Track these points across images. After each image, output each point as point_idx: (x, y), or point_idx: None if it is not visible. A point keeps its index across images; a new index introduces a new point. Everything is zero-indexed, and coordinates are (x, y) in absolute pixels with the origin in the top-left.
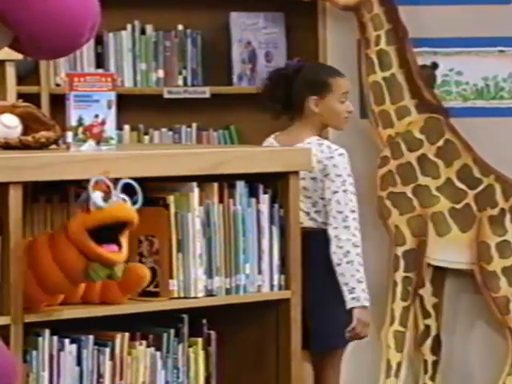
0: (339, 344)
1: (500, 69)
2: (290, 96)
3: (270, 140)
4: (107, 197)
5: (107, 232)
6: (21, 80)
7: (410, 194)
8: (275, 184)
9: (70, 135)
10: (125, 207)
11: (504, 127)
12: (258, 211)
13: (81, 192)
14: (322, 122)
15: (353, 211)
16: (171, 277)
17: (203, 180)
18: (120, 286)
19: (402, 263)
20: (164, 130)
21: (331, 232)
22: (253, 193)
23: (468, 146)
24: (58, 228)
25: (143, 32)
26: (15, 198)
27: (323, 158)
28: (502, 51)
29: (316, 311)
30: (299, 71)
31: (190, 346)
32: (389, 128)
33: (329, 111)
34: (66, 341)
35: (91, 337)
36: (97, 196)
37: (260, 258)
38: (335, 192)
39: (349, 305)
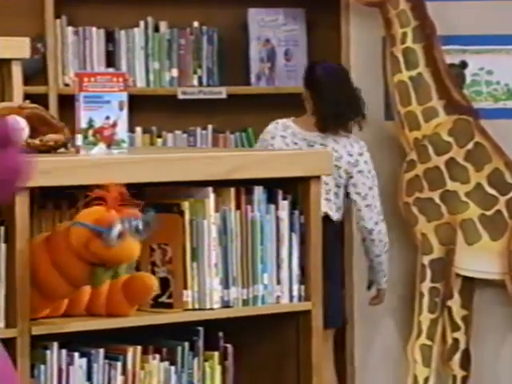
0: (336, 324)
1: None
2: None
3: (288, 123)
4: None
5: None
6: (28, 80)
7: (437, 200)
8: (295, 189)
9: (79, 138)
10: (131, 252)
11: None
12: (277, 218)
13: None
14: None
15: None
16: (185, 287)
17: (219, 185)
18: (126, 296)
19: (428, 273)
20: (178, 132)
21: (369, 225)
22: (271, 199)
23: (499, 149)
24: (56, 230)
25: (156, 29)
26: (22, 204)
27: (354, 153)
28: None
29: None
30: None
31: (205, 360)
32: (415, 130)
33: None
34: (76, 354)
35: (102, 350)
36: (114, 234)
37: (279, 268)
38: (371, 188)
39: (383, 286)
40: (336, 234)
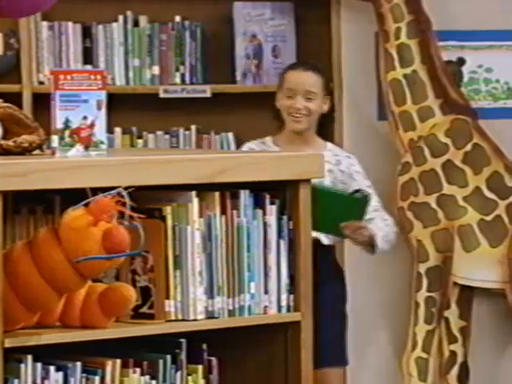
0: (345, 363)
1: None
2: None
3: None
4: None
5: None
6: (0, 77)
7: (434, 205)
8: (283, 193)
9: (55, 139)
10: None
11: None
12: (265, 224)
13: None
14: (282, 115)
15: None
16: (168, 297)
17: (203, 189)
18: (103, 308)
19: (424, 282)
20: (160, 133)
21: (387, 220)
22: (259, 203)
23: (499, 150)
24: (40, 234)
25: (136, 24)
26: None
27: (343, 157)
28: None
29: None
30: None
31: (189, 374)
32: (410, 131)
33: (281, 106)
34: (52, 368)
35: (79, 364)
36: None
37: (266, 276)
38: (369, 187)
39: (378, 242)
40: (330, 262)
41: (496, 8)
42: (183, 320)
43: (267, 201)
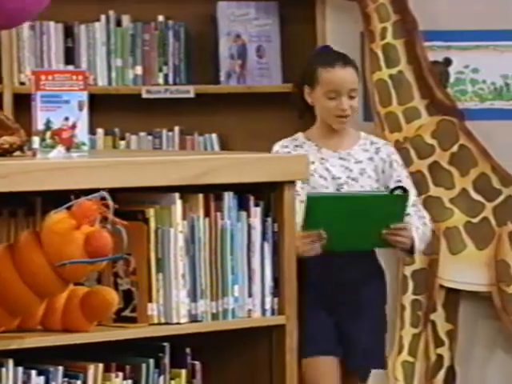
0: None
1: None
2: None
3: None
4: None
5: None
6: None
7: None
8: (268, 195)
9: (36, 140)
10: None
11: None
12: (249, 226)
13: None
14: (319, 114)
15: None
16: (150, 300)
17: (187, 191)
18: (84, 312)
19: (410, 285)
20: (142, 134)
21: (425, 218)
22: (243, 205)
23: (485, 152)
24: (21, 237)
25: (119, 24)
26: None
27: (381, 144)
28: None
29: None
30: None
31: (172, 379)
32: (396, 132)
33: (318, 106)
34: (33, 372)
35: (61, 368)
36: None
37: (251, 279)
38: (408, 177)
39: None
40: (370, 260)
41: (482, 8)
42: (166, 323)
43: (251, 203)
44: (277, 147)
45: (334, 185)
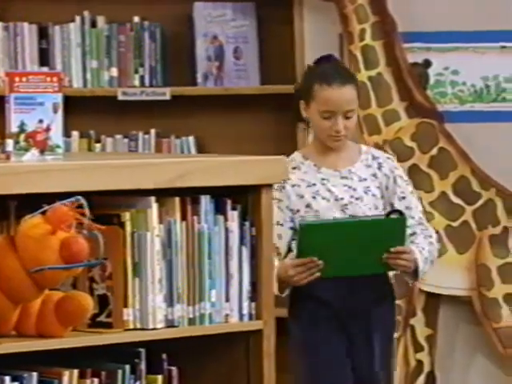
0: None
1: (502, 67)
2: None
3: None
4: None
5: None
6: None
7: None
8: (245, 199)
9: (10, 143)
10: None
11: (506, 134)
12: (226, 230)
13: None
14: (314, 130)
15: None
16: (126, 305)
17: (163, 194)
18: (59, 317)
19: None
20: (118, 136)
21: (431, 238)
22: (220, 209)
23: (465, 155)
24: None
25: (94, 25)
26: None
27: (384, 159)
28: (504, 47)
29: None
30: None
31: None
32: (375, 135)
33: (313, 123)
34: (7, 378)
35: (35, 374)
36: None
37: (228, 284)
38: (412, 193)
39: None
40: (380, 280)
41: (462, 9)
42: (142, 329)
43: (229, 206)
44: None
45: (337, 206)
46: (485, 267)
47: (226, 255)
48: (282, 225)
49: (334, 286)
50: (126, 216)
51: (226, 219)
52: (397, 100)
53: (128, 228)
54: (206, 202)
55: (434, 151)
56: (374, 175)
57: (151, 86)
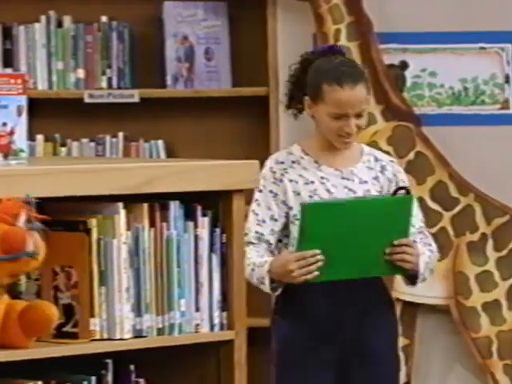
0: None
1: (481, 69)
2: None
3: (296, 152)
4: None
5: None
6: None
7: None
8: (216, 205)
9: None
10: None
11: (485, 137)
12: (196, 237)
13: None
14: (320, 129)
15: None
16: (92, 315)
17: (131, 200)
18: (23, 328)
19: None
20: (85, 140)
21: (431, 246)
22: (189, 215)
23: (443, 159)
24: None
25: (60, 25)
26: None
27: (387, 161)
28: (482, 48)
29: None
30: (317, 59)
31: None
32: None
33: (320, 122)
34: None
35: None
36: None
37: (198, 293)
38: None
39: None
40: (377, 290)
41: (440, 9)
42: (109, 339)
43: (199, 212)
44: (270, 163)
45: None
46: (463, 275)
47: (195, 263)
48: (276, 220)
49: (322, 292)
50: (93, 222)
51: (195, 226)
52: (373, 103)
53: (94, 235)
54: (175, 207)
55: (411, 155)
56: (376, 178)
57: (119, 88)
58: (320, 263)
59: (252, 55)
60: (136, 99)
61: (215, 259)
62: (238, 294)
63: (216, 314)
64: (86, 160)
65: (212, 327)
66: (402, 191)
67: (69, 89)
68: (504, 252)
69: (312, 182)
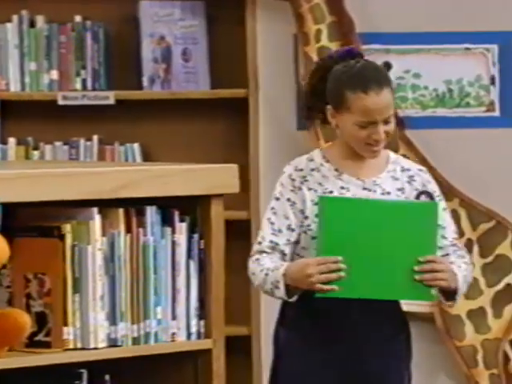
0: None
1: (466, 70)
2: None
3: (316, 158)
4: None
5: None
6: None
7: None
8: (194, 210)
9: None
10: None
11: (470, 141)
12: (173, 243)
13: None
14: (345, 138)
15: None
16: (66, 323)
17: (106, 205)
18: None
19: None
20: (58, 143)
21: (465, 258)
22: (167, 221)
23: (427, 163)
24: None
25: (32, 24)
26: None
27: (415, 171)
28: (468, 49)
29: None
30: (336, 63)
31: None
32: (332, 141)
33: (345, 131)
34: None
35: None
36: None
37: (175, 300)
38: (445, 210)
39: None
40: (391, 310)
41: (424, 9)
42: (83, 348)
43: (176, 218)
44: (289, 170)
45: None
46: None
47: (172, 270)
48: (293, 229)
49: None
50: (67, 228)
51: (173, 231)
52: None
53: (68, 241)
54: (152, 213)
55: None
56: (401, 190)
57: (94, 89)
58: (342, 273)
59: (231, 56)
60: (111, 101)
61: (193, 266)
62: (216, 301)
63: (193, 322)
64: (59, 164)
65: (189, 336)
66: (426, 199)
67: (42, 90)
68: (489, 258)
69: (331, 192)
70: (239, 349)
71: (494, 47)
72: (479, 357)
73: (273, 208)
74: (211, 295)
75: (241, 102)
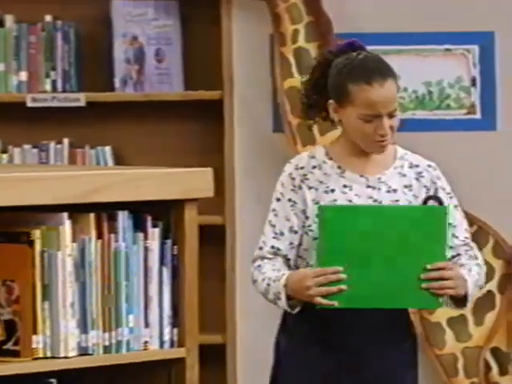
0: None
1: (446, 72)
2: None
3: (319, 155)
4: None
5: None
6: None
7: None
8: (167, 215)
9: None
10: None
11: (451, 144)
12: (146, 249)
13: None
14: (349, 134)
15: None
16: (35, 332)
17: (76, 210)
18: None
19: None
20: (27, 146)
21: (477, 259)
22: (139, 226)
23: None
24: None
25: (1, 24)
26: None
27: (424, 166)
28: (448, 50)
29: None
30: (337, 57)
31: None
32: (309, 145)
33: (349, 126)
34: None
35: None
36: None
37: (147, 308)
38: (456, 207)
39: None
40: (401, 321)
41: (403, 9)
42: (53, 357)
43: (149, 223)
44: (290, 168)
45: None
46: None
47: (145, 276)
48: (295, 232)
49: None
50: (36, 234)
51: (145, 237)
52: None
53: (37, 247)
54: (123, 218)
55: None
56: (409, 187)
57: (64, 91)
58: (343, 286)
59: (205, 57)
60: (82, 103)
61: (166, 272)
62: (190, 308)
63: (166, 330)
64: (28, 167)
65: (162, 344)
66: (435, 203)
67: (10, 92)
68: None
69: (332, 191)
70: (213, 357)
71: (475, 48)
72: (460, 365)
73: (274, 210)
74: (185, 302)
75: (215, 103)
